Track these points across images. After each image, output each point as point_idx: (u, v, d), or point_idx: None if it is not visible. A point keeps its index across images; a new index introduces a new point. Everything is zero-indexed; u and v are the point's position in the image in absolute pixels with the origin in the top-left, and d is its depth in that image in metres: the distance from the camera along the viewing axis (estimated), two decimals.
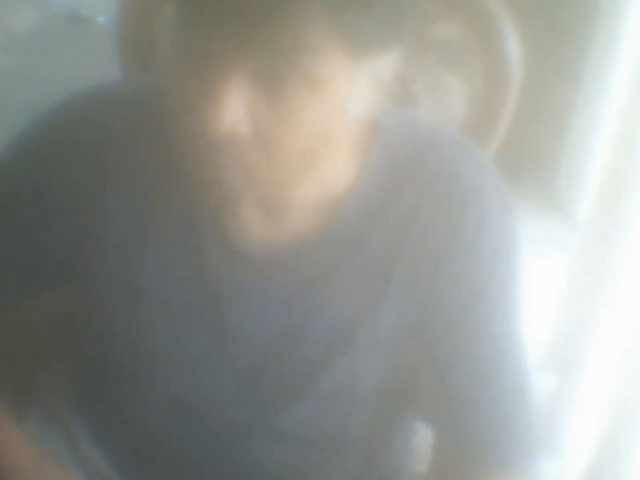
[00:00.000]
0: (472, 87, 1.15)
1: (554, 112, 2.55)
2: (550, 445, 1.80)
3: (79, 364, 0.99)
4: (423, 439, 1.02)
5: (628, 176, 1.63)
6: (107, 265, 0.89)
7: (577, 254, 1.91)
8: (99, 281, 0.90)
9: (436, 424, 0.95)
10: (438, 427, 0.94)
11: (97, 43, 1.62)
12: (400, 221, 0.86)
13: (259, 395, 0.90)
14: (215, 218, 0.86)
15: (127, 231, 0.88)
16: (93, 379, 0.97)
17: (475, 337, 0.87)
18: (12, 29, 2.80)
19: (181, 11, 0.74)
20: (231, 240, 0.86)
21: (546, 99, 2.44)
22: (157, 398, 0.91)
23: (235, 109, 0.73)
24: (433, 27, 1.13)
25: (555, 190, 2.67)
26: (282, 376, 0.89)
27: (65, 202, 0.89)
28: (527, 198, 2.54)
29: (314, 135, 0.76)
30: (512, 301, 0.89)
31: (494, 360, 0.88)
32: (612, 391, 1.66)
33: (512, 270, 0.89)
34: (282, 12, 0.69)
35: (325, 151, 0.79)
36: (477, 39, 1.12)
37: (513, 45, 1.12)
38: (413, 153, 0.87)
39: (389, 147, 0.87)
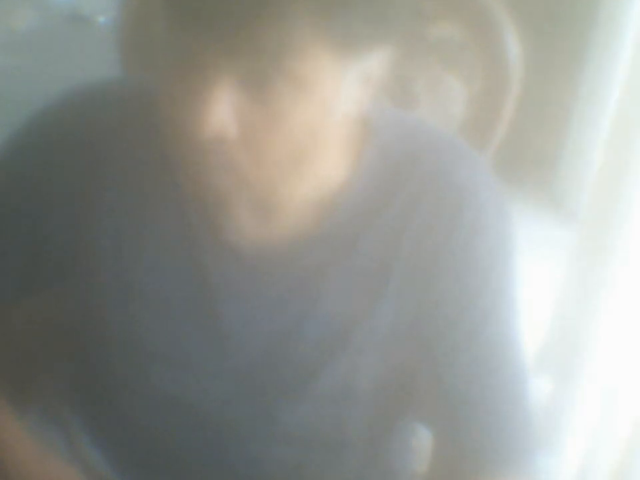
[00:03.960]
0: (472, 87, 1.15)
1: (554, 112, 2.55)
2: (545, 446, 1.80)
3: (77, 363, 0.99)
4: (423, 439, 1.02)
5: (626, 176, 1.62)
6: (103, 263, 0.89)
7: (573, 256, 1.90)
8: (96, 280, 0.90)
9: (435, 425, 0.94)
10: (437, 428, 0.94)
11: (97, 43, 1.62)
12: (395, 221, 0.85)
13: (255, 394, 0.90)
14: (208, 217, 0.86)
15: (121, 229, 0.88)
16: (90, 378, 0.97)
17: (473, 337, 0.87)
18: (12, 28, 2.80)
19: (167, 13, 0.74)
20: (225, 239, 0.86)
21: (546, 99, 2.44)
22: (153, 397, 0.91)
23: (222, 110, 0.73)
24: (433, 26, 1.13)
25: (555, 190, 2.67)
26: (278, 375, 0.89)
27: (60, 199, 0.89)
28: (527, 198, 2.54)
29: (303, 135, 0.76)
30: (509, 300, 0.89)
31: (492, 360, 0.88)
32: (606, 393, 1.66)
33: (509, 270, 0.89)
34: (267, 14, 0.69)
35: (315, 150, 0.79)
36: (477, 39, 1.12)
37: (513, 45, 1.12)
38: (408, 153, 0.87)
39: (383, 147, 0.87)
